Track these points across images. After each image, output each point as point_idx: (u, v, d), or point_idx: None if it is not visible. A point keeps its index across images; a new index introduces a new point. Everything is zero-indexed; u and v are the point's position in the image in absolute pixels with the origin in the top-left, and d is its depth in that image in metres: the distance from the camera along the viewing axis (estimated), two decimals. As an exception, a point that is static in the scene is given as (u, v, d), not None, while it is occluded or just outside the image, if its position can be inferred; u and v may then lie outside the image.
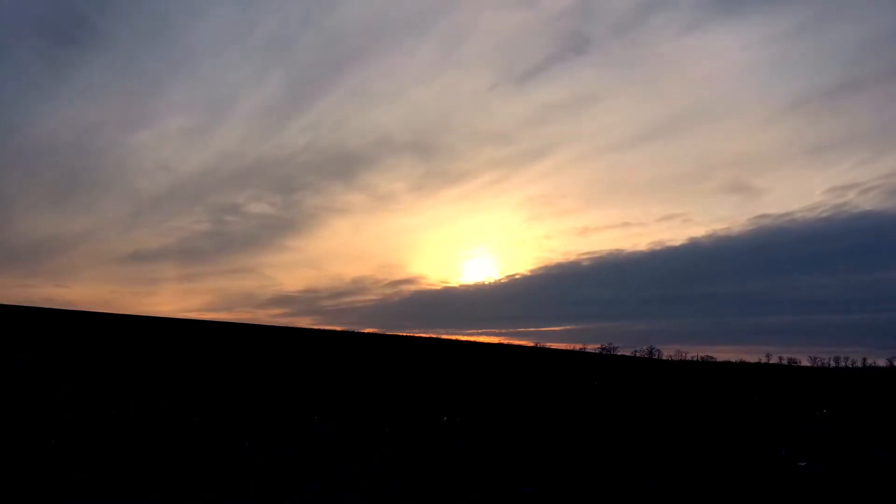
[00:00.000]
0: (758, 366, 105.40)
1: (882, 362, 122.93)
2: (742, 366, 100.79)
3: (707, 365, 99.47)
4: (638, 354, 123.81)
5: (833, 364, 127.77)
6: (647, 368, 62.91)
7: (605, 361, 74.53)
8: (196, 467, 9.06)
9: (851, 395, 31.82)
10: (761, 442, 13.74)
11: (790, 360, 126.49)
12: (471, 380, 29.67)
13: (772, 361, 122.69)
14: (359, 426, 13.25)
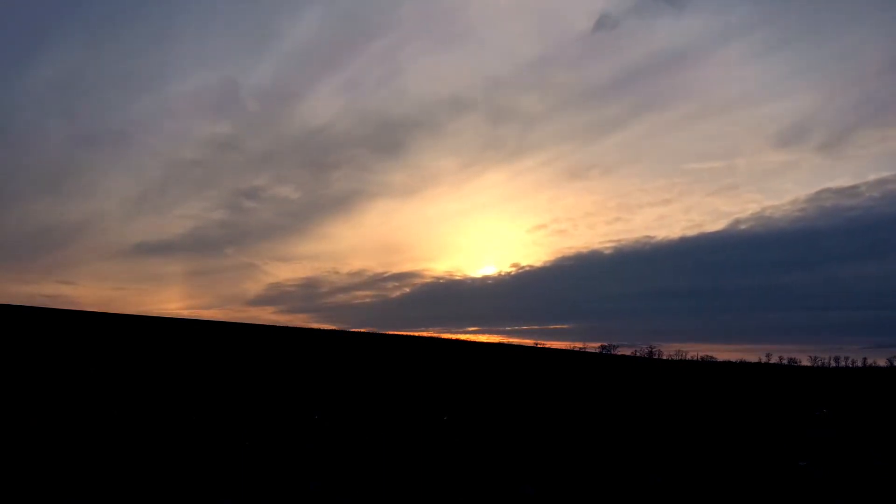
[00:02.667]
0: (758, 365, 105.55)
1: (882, 362, 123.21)
2: (742, 365, 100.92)
3: (707, 365, 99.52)
4: (638, 354, 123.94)
5: (833, 364, 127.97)
6: (648, 368, 62.93)
7: (604, 361, 74.57)
8: (196, 467, 9.04)
9: (852, 395, 31.84)
10: (762, 441, 13.74)
11: (790, 359, 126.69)
12: (471, 380, 29.67)
13: (772, 361, 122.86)
14: (359, 425, 13.24)
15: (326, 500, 7.99)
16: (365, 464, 9.83)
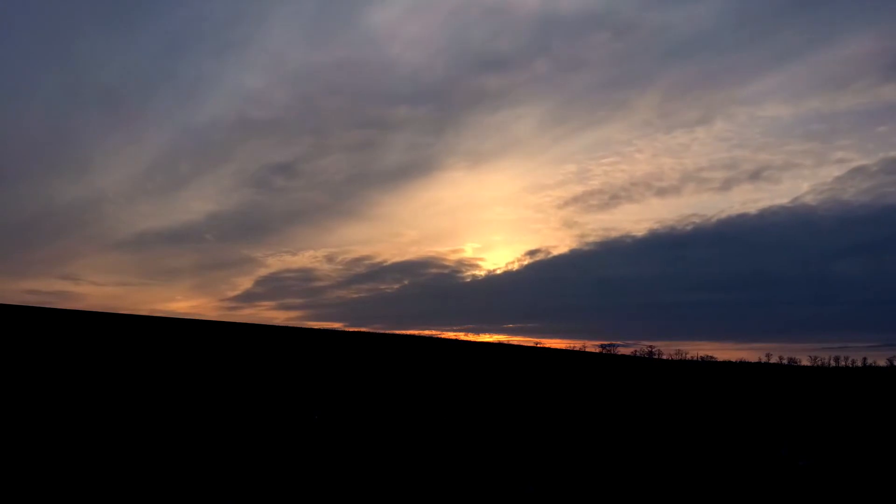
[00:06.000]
0: (758, 365, 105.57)
1: (882, 362, 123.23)
2: (742, 365, 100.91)
3: (706, 365, 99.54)
4: (638, 354, 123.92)
5: (833, 363, 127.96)
6: (647, 369, 62.93)
7: (604, 361, 74.56)
8: (196, 467, 9.04)
9: (852, 395, 31.86)
10: (763, 441, 13.74)
11: (790, 359, 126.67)
12: (472, 379, 29.67)
13: (772, 361, 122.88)
14: (360, 425, 13.23)
15: (327, 500, 7.99)
16: (366, 463, 9.83)
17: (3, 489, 7.57)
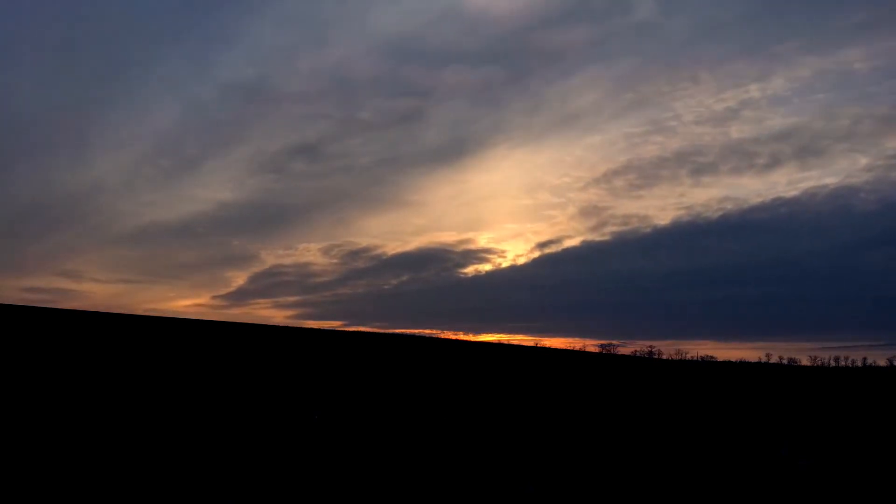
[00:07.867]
0: (758, 365, 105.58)
1: (882, 362, 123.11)
2: (742, 365, 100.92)
3: (706, 365, 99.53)
4: (638, 354, 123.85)
5: (833, 363, 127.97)
6: (647, 369, 62.97)
7: (604, 361, 74.61)
8: (196, 467, 9.04)
9: (852, 395, 31.87)
10: (763, 441, 13.74)
11: (790, 359, 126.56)
12: (472, 379, 29.66)
13: (772, 361, 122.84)
14: (360, 425, 13.23)
15: (328, 501, 7.98)
16: (367, 463, 9.82)
17: (3, 490, 7.56)
